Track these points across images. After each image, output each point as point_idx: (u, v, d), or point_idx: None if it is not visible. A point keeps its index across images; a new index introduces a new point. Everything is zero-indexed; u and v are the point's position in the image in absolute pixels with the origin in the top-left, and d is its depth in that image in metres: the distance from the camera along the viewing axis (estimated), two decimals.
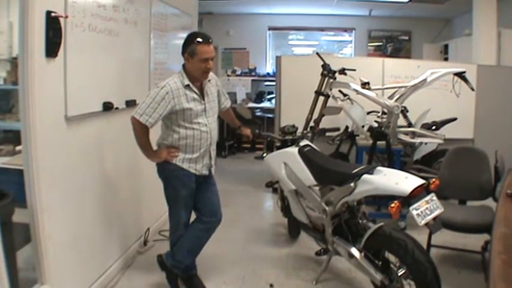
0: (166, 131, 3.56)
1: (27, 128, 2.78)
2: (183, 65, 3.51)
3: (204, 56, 3.38)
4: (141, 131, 3.40)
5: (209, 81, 3.64)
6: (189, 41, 3.43)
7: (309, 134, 4.85)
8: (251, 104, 10.51)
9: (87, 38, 3.28)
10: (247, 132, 4.25)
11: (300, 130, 4.66)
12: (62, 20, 2.93)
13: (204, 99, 3.55)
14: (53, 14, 2.84)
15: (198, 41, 3.37)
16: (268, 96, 10.78)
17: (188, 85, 3.45)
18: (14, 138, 3.98)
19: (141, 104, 3.36)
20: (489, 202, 4.20)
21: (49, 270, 3.00)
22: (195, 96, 3.49)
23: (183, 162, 3.55)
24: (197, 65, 3.41)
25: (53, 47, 2.88)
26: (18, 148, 3.65)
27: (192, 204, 3.73)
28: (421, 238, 3.59)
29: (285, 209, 4.83)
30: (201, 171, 3.64)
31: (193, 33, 3.62)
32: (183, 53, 3.46)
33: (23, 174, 2.87)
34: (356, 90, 5.25)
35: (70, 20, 3.03)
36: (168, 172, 3.59)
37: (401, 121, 5.60)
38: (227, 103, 4.06)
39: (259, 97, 10.96)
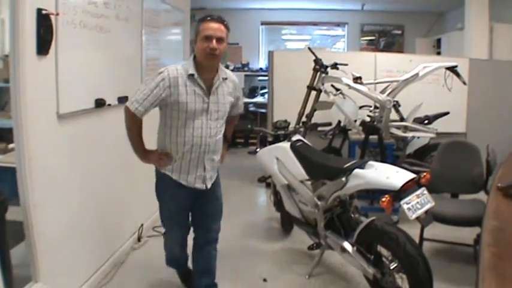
0: (160, 128, 3.16)
1: (19, 125, 2.78)
2: (194, 55, 3.06)
3: (207, 32, 2.90)
4: (131, 121, 2.97)
5: (225, 79, 3.14)
6: (197, 23, 3.02)
7: (301, 129, 4.86)
8: (244, 99, 10.48)
9: (78, 35, 3.27)
10: (223, 154, 3.55)
11: (292, 125, 4.67)
12: (53, 17, 2.92)
13: (209, 97, 3.03)
14: (43, 12, 2.83)
15: (204, 19, 2.98)
16: (261, 91, 10.77)
17: (192, 75, 2.96)
18: (6, 136, 3.96)
19: (136, 91, 2.99)
20: (481, 195, 4.22)
21: (43, 267, 3.00)
22: (198, 90, 2.99)
23: (173, 172, 3.12)
24: (200, 46, 2.94)
25: (44, 44, 2.88)
26: (11, 146, 3.64)
27: (186, 220, 3.37)
28: (414, 232, 3.62)
29: (278, 204, 4.84)
30: (193, 184, 3.15)
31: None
32: (193, 41, 3.12)
33: (15, 172, 2.87)
34: (348, 85, 5.26)
35: (61, 17, 3.02)
36: (158, 176, 3.24)
37: (393, 115, 5.60)
38: (241, 109, 3.58)
39: (252, 92, 10.96)
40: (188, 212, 3.35)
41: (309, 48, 5.80)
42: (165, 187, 3.20)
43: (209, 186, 3.22)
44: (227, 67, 11.23)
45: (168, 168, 3.12)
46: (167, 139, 3.08)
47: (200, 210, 3.33)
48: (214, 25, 2.94)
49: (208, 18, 2.98)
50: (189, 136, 3.03)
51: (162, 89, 2.92)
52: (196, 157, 3.09)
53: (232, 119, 3.56)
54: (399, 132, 5.50)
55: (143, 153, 3.11)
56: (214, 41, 2.90)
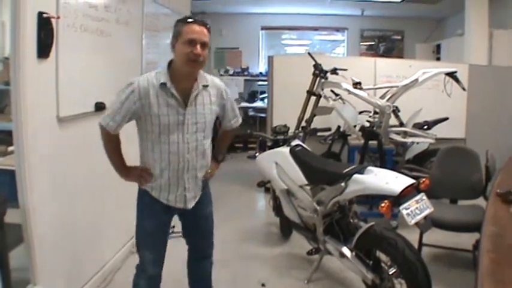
0: (139, 142, 2.87)
1: (19, 128, 2.78)
2: (170, 61, 2.77)
3: (190, 36, 2.59)
4: (105, 138, 2.76)
5: (205, 87, 2.80)
6: (176, 23, 2.71)
7: (301, 134, 4.87)
8: (244, 104, 10.52)
9: (79, 38, 3.28)
10: (212, 170, 3.06)
11: (291, 130, 4.68)
12: (53, 20, 2.93)
13: (185, 108, 2.71)
14: (44, 15, 2.84)
15: (186, 21, 2.65)
16: (261, 96, 10.79)
17: (164, 84, 2.65)
18: (6, 138, 3.96)
19: (109, 106, 2.80)
20: (480, 201, 4.23)
21: (42, 270, 3.00)
22: (172, 101, 2.67)
23: (153, 189, 2.83)
24: (181, 50, 2.62)
25: (44, 47, 2.88)
26: (10, 149, 3.64)
27: (163, 244, 2.98)
28: (413, 237, 3.62)
29: (277, 209, 4.83)
30: (174, 204, 2.86)
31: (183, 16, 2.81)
32: (172, 44, 2.73)
33: (14, 174, 2.88)
34: (348, 90, 5.27)
35: (62, 20, 3.02)
36: (139, 192, 2.94)
37: (393, 121, 5.61)
38: (235, 122, 3.14)
39: (252, 97, 10.97)
40: (167, 236, 3.00)
41: (309, 53, 5.81)
42: (145, 205, 2.89)
43: (190, 206, 2.90)
44: (227, 71, 11.31)
45: (148, 185, 2.83)
46: (145, 155, 2.81)
47: (188, 227, 3.10)
48: (198, 28, 2.63)
49: (191, 20, 2.67)
50: (165, 152, 2.73)
51: (132, 102, 2.64)
52: (174, 175, 2.78)
53: (225, 133, 3.24)
54: (399, 138, 5.51)
55: (123, 171, 2.88)
56: (198, 46, 2.60)
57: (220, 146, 3.26)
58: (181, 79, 2.70)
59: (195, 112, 2.74)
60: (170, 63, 2.74)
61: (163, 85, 2.66)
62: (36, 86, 2.84)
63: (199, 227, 3.09)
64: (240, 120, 3.19)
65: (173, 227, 3.32)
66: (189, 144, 2.75)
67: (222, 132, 3.25)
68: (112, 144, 2.79)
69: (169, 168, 2.75)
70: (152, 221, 2.89)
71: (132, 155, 2.91)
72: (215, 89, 2.89)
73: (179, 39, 2.63)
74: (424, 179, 3.13)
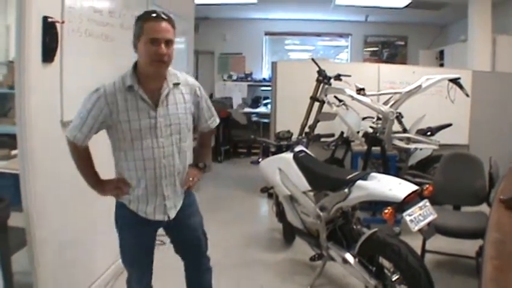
0: (112, 152, 2.66)
1: (23, 132, 2.79)
2: (135, 62, 2.56)
3: (153, 34, 2.37)
4: (73, 151, 2.58)
5: (176, 85, 2.61)
6: (136, 21, 2.47)
7: (304, 140, 4.87)
8: (247, 109, 10.54)
9: (83, 43, 3.29)
10: (194, 177, 2.77)
11: (295, 136, 4.68)
12: (58, 25, 2.94)
13: (156, 110, 2.50)
14: (49, 20, 2.85)
15: (146, 18, 2.42)
16: (264, 101, 10.82)
17: (131, 86, 2.45)
18: (9, 142, 3.98)
19: (75, 116, 2.55)
20: (483, 208, 4.21)
21: (44, 274, 3.00)
22: (142, 104, 2.48)
23: (131, 202, 2.64)
24: (144, 50, 2.40)
25: (49, 52, 2.90)
26: (14, 152, 3.65)
27: (148, 262, 2.81)
28: (416, 243, 3.60)
29: (280, 214, 4.83)
30: (153, 216, 2.65)
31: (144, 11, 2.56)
32: (134, 43, 2.50)
33: (18, 178, 2.88)
34: (351, 96, 5.26)
35: (66, 25, 3.04)
36: (116, 206, 2.75)
37: (396, 127, 5.61)
38: (212, 122, 2.90)
39: (255, 102, 11.01)
40: (152, 251, 2.82)
41: (313, 59, 5.81)
42: (123, 219, 2.71)
43: (172, 216, 2.69)
44: (230, 77, 11.33)
45: (126, 197, 2.64)
46: (119, 165, 2.62)
47: (176, 241, 2.92)
48: (161, 25, 2.40)
49: (153, 15, 2.42)
50: (139, 159, 2.52)
51: (99, 110, 2.45)
52: (152, 183, 2.57)
53: (203, 137, 3.00)
54: (402, 144, 5.51)
55: (98, 186, 2.68)
56: (162, 45, 2.39)
57: (200, 152, 2.97)
58: (149, 80, 2.50)
59: (167, 113, 2.54)
60: (136, 65, 2.53)
61: (130, 88, 2.46)
62: (40, 90, 2.86)
63: (187, 240, 2.90)
64: (218, 120, 2.96)
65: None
66: (165, 148, 2.55)
67: (199, 136, 2.99)
68: (82, 158, 2.60)
69: (145, 177, 2.55)
70: (133, 238, 2.71)
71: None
72: (188, 87, 2.68)
73: (141, 38, 2.40)
74: (427, 186, 3.12)
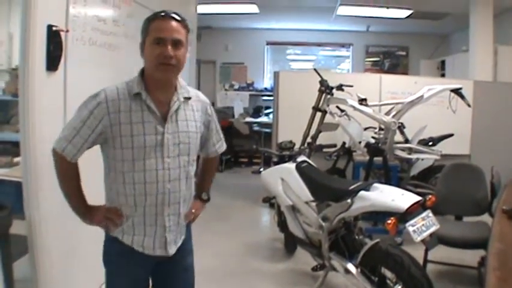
0: (105, 173, 2.27)
1: (26, 140, 2.80)
2: (143, 68, 2.22)
3: (159, 33, 2.07)
4: (61, 168, 2.17)
5: (187, 99, 2.26)
6: (144, 22, 2.18)
7: (306, 150, 4.87)
8: (248, 119, 10.55)
9: (87, 51, 3.31)
10: (197, 211, 2.45)
11: (297, 146, 4.68)
12: (62, 34, 2.96)
13: (164, 126, 2.13)
14: (54, 28, 2.87)
15: (153, 17, 2.14)
16: (266, 111, 10.82)
17: (138, 94, 2.11)
18: (12, 149, 3.98)
19: (65, 125, 2.22)
20: (485, 218, 4.21)
21: (45, 282, 2.99)
22: (148, 116, 2.11)
23: (124, 233, 2.19)
24: (149, 52, 2.09)
25: (53, 60, 2.92)
26: (16, 160, 3.66)
27: None
28: (418, 254, 3.60)
29: (282, 224, 4.83)
30: (152, 250, 2.21)
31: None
32: (140, 46, 2.19)
33: (20, 186, 2.88)
34: (353, 107, 5.27)
35: (71, 33, 3.06)
36: (105, 239, 2.30)
37: (398, 137, 5.61)
38: (220, 146, 2.56)
39: (257, 112, 11.01)
40: None
41: (315, 70, 5.82)
42: (115, 256, 2.26)
43: (172, 252, 2.27)
44: (232, 86, 11.34)
45: (118, 229, 2.21)
46: (114, 189, 2.19)
47: (163, 283, 2.40)
48: (170, 24, 2.10)
49: (161, 14, 2.13)
50: (140, 183, 2.11)
51: (98, 119, 2.07)
52: (153, 212, 2.16)
53: (208, 162, 2.60)
54: (404, 154, 5.51)
55: (85, 213, 2.25)
56: (169, 46, 2.07)
57: (204, 181, 2.62)
58: (157, 89, 2.15)
59: (176, 130, 2.17)
60: (143, 71, 2.21)
61: (137, 96, 2.11)
62: (44, 98, 2.87)
63: (177, 282, 2.42)
64: (225, 146, 2.61)
65: None
66: (170, 170, 2.16)
67: (204, 162, 2.60)
68: (69, 177, 2.19)
69: (145, 203, 2.14)
70: (125, 280, 2.27)
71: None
72: (199, 103, 2.34)
73: (147, 39, 2.11)
74: (430, 196, 3.13)
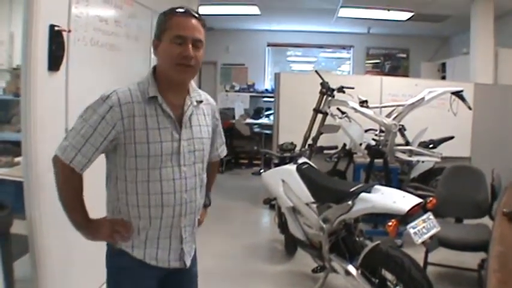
0: (110, 184, 2.05)
1: (28, 140, 2.80)
2: (154, 67, 2.05)
3: (179, 31, 1.89)
4: (64, 179, 1.93)
5: (199, 103, 2.12)
6: (160, 17, 1.98)
7: (307, 152, 4.87)
8: (249, 120, 10.55)
9: (89, 52, 3.31)
10: (202, 217, 2.34)
11: (298, 147, 4.68)
12: (64, 34, 2.96)
13: (181, 130, 1.98)
14: (56, 28, 2.87)
15: (173, 12, 1.94)
16: (266, 113, 10.82)
17: (154, 98, 1.93)
18: (12, 149, 3.98)
19: (69, 132, 1.95)
20: (486, 220, 4.22)
21: (45, 282, 2.99)
22: (164, 121, 1.94)
23: (133, 247, 1.99)
24: (167, 51, 1.91)
25: (55, 60, 2.91)
26: (17, 159, 3.65)
27: None
28: (418, 256, 3.60)
29: (282, 226, 4.83)
30: (167, 263, 2.05)
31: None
32: (154, 43, 2.00)
33: (21, 185, 2.88)
34: (354, 108, 5.27)
35: (73, 34, 3.06)
36: (110, 254, 2.09)
37: (398, 139, 5.62)
38: (222, 150, 2.45)
39: (257, 113, 11.02)
40: None
41: (316, 72, 5.83)
42: (123, 271, 2.03)
43: (189, 263, 2.13)
44: (232, 87, 11.35)
45: (127, 243, 2.00)
46: (122, 200, 1.99)
47: None
48: (191, 21, 1.92)
49: (181, 10, 1.94)
50: (157, 193, 1.94)
51: (111, 124, 1.86)
52: (169, 223, 2.00)
53: (210, 168, 2.31)
54: (404, 156, 5.51)
55: (88, 227, 2.03)
56: (190, 45, 1.90)
57: (210, 179, 2.39)
58: (171, 92, 1.99)
59: (191, 136, 2.02)
60: (154, 71, 2.03)
61: (152, 100, 1.93)
62: (46, 98, 2.86)
63: None
64: (226, 150, 2.50)
65: None
66: (187, 180, 2.00)
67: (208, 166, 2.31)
68: (74, 189, 1.96)
69: (162, 215, 1.96)
70: None
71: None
72: (209, 106, 2.21)
73: (164, 37, 1.92)
74: (431, 199, 3.13)
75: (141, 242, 1.99)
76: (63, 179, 1.93)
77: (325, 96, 5.63)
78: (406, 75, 11.45)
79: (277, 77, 7.08)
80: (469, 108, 5.44)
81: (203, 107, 2.14)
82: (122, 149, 1.91)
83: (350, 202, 3.37)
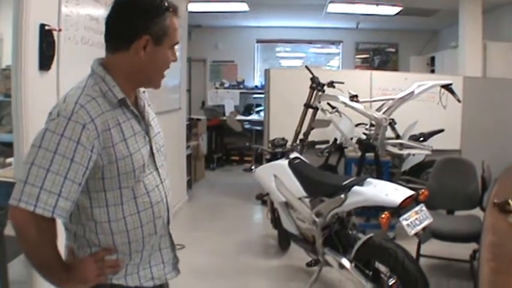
0: (76, 219, 1.60)
1: (19, 140, 2.79)
2: (102, 63, 1.64)
3: (177, 38, 1.65)
4: (35, 230, 1.43)
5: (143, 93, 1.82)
6: (150, 8, 1.57)
7: (299, 147, 4.89)
8: (239, 117, 10.53)
9: (80, 51, 3.30)
10: None
11: (289, 143, 4.70)
12: (55, 33, 2.95)
13: (148, 131, 1.71)
14: (46, 27, 2.86)
15: (167, 9, 1.60)
16: (257, 109, 10.82)
17: (123, 100, 1.59)
18: (4, 150, 3.97)
19: (26, 173, 1.43)
20: (477, 212, 4.25)
21: (41, 283, 2.98)
22: (135, 125, 1.64)
23: (126, 275, 1.65)
24: (164, 58, 1.64)
25: (46, 59, 2.91)
26: (8, 160, 3.64)
27: None
28: (410, 248, 3.62)
29: (275, 221, 4.85)
30: (163, 278, 1.76)
31: None
32: (132, 35, 1.56)
33: (13, 186, 2.87)
34: (344, 103, 5.29)
35: (63, 33, 3.05)
36: None
37: (389, 133, 5.64)
38: None
39: (248, 110, 11.00)
40: None
41: (306, 67, 5.84)
42: None
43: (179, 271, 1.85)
44: (222, 84, 11.34)
45: (119, 275, 1.64)
46: (102, 231, 1.59)
47: None
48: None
49: (174, 8, 1.64)
50: (147, 208, 1.64)
51: (89, 148, 1.46)
52: (158, 236, 1.72)
53: None
54: (395, 150, 5.54)
55: (67, 278, 1.56)
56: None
57: None
58: (131, 91, 1.68)
59: (153, 133, 1.75)
60: (105, 65, 1.64)
61: (121, 102, 1.59)
62: (37, 98, 2.85)
63: None
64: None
65: None
66: (164, 182, 1.75)
67: None
68: (50, 242, 1.53)
69: (155, 230, 1.69)
70: None
71: None
72: (146, 95, 1.84)
73: (165, 42, 1.61)
74: (423, 190, 3.15)
75: (135, 266, 1.67)
76: (32, 235, 1.45)
77: (315, 92, 5.63)
78: (395, 69, 11.46)
79: (267, 73, 7.08)
80: (458, 101, 5.46)
81: (145, 96, 1.82)
82: (98, 172, 1.53)
83: (343, 196, 3.39)
